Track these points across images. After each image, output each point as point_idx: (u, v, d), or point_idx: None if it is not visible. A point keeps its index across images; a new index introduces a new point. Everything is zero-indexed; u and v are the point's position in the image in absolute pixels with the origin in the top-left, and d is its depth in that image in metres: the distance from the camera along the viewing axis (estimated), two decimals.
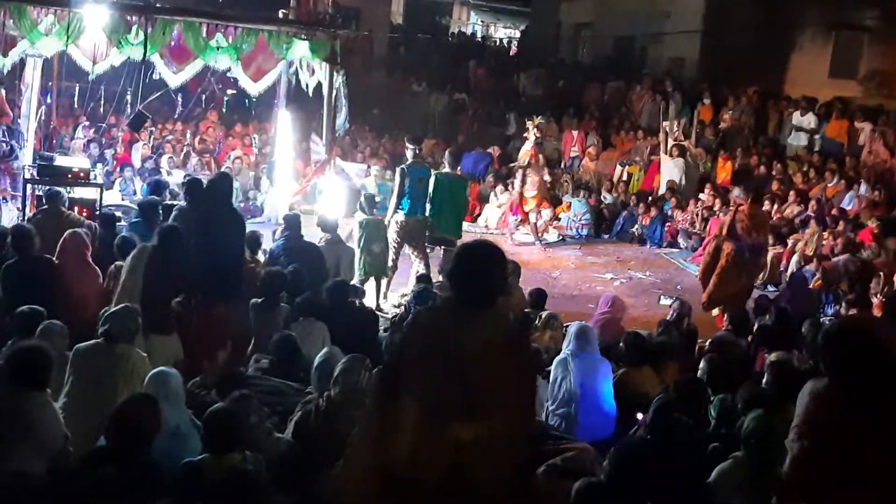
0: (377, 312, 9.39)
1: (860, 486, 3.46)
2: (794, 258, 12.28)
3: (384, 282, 10.61)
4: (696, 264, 13.55)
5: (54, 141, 14.59)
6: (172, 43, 11.18)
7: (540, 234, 14.67)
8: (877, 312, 9.46)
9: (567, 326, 7.39)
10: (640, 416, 6.05)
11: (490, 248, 3.67)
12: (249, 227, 10.60)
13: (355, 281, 9.93)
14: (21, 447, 4.65)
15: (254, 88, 12.20)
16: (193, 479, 4.52)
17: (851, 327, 3.82)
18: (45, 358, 4.97)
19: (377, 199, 11.57)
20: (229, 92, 17.59)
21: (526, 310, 8.53)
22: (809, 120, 17.14)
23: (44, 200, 9.52)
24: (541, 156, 14.60)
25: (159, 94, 12.43)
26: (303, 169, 14.68)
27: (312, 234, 10.19)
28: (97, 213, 10.11)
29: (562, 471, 4.97)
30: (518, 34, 35.94)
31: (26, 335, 5.99)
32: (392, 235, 10.62)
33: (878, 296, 10.19)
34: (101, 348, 5.71)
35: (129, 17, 10.82)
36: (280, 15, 12.14)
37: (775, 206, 14.13)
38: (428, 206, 10.73)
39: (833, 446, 3.50)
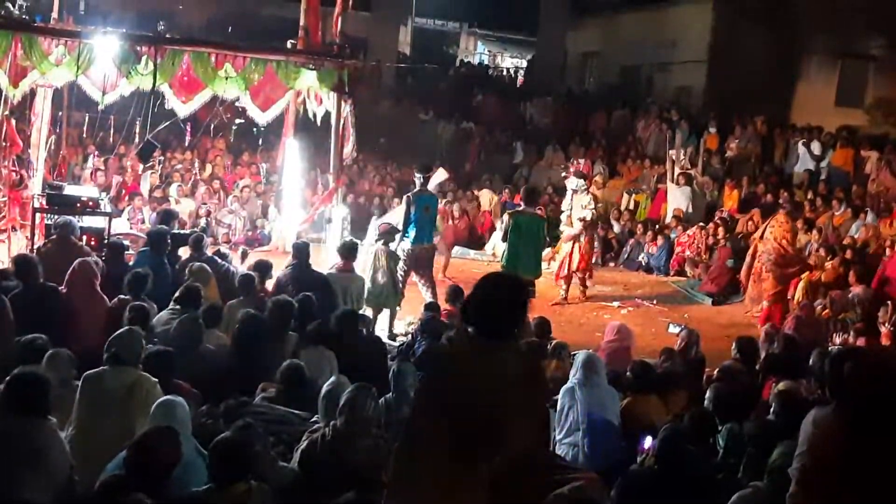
0: (385, 341, 9.40)
1: None
2: (801, 285, 12.24)
3: (390, 311, 10.62)
4: (704, 293, 13.57)
5: (64, 170, 14.67)
6: (181, 73, 11.26)
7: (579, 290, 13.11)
8: (885, 342, 9.42)
9: (574, 355, 7.37)
10: (647, 441, 6.00)
11: (513, 280, 3.67)
12: (257, 256, 10.69)
13: (369, 311, 9.98)
14: (27, 476, 4.65)
15: (262, 118, 12.26)
16: None
17: (858, 353, 3.83)
18: (40, 383, 4.97)
19: None
20: (237, 121, 17.71)
21: (533, 339, 8.50)
22: (815, 148, 17.16)
23: (52, 230, 9.57)
24: (580, 205, 12.91)
25: (168, 123, 12.50)
26: (310, 197, 14.75)
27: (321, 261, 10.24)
28: (105, 241, 10.16)
29: (569, 500, 4.94)
30: (525, 63, 36.16)
31: (31, 364, 6.03)
32: (399, 263, 10.64)
33: (887, 325, 10.14)
34: (110, 374, 5.71)
35: (138, 48, 10.91)
36: (288, 45, 12.23)
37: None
38: (504, 246, 10.61)
39: (838, 472, 3.48)
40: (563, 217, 13.19)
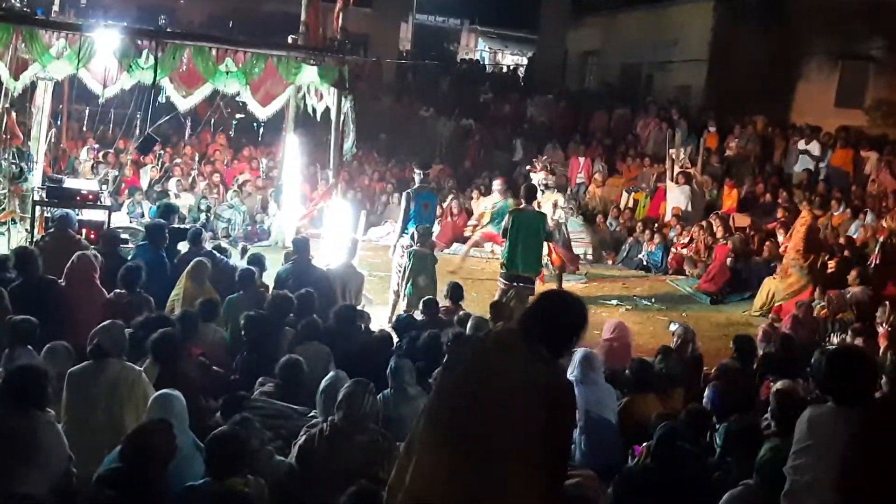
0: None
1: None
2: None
3: (389, 307, 10.62)
4: (702, 291, 13.59)
5: (63, 164, 14.67)
6: (182, 67, 11.26)
7: None
8: (882, 342, 9.44)
9: (573, 353, 7.36)
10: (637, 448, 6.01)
11: (581, 306, 3.67)
12: (256, 251, 10.69)
13: (401, 309, 9.98)
14: (25, 469, 4.65)
15: (262, 113, 12.26)
16: (195, 503, 4.52)
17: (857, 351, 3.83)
18: (39, 376, 4.98)
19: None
20: (238, 116, 17.70)
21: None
22: (815, 148, 17.17)
23: (48, 223, 9.55)
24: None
25: (168, 117, 12.50)
26: (309, 193, 14.76)
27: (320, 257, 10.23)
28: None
29: (566, 498, 4.96)
30: (525, 61, 36.15)
31: (19, 344, 6.06)
32: (397, 260, 10.64)
33: (884, 325, 10.15)
34: (94, 368, 5.72)
35: (139, 42, 10.91)
36: (289, 40, 12.23)
37: (781, 235, 14.12)
38: (505, 244, 10.60)
39: (838, 470, 3.49)
40: None
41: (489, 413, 3.35)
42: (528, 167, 14.22)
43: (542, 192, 12.77)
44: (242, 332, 7.39)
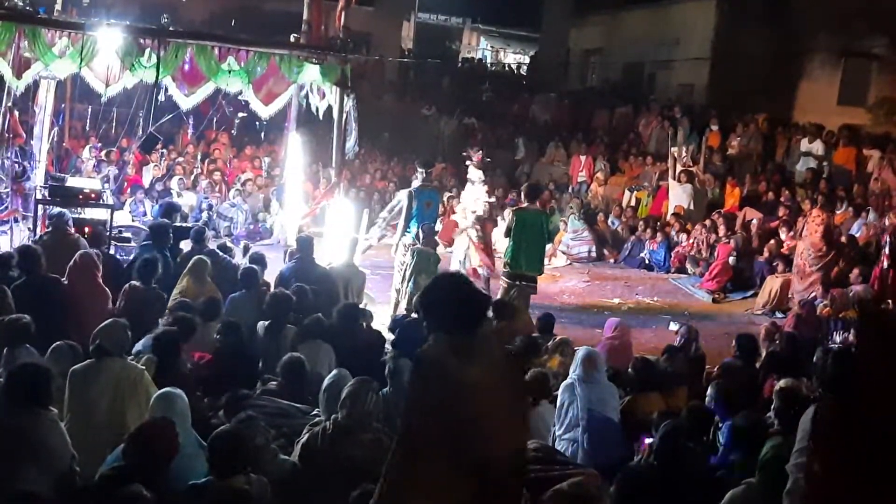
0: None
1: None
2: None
3: (391, 306, 10.62)
4: (704, 290, 13.58)
5: (66, 162, 14.67)
6: (185, 66, 11.25)
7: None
8: None
9: (576, 352, 7.37)
10: (646, 441, 6.01)
11: (454, 275, 3.89)
12: (258, 249, 10.70)
13: (402, 307, 9.96)
14: (28, 467, 4.66)
15: (264, 111, 12.25)
16: (198, 502, 4.52)
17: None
18: (43, 375, 4.99)
19: None
20: (240, 114, 17.68)
21: (534, 334, 8.51)
22: (817, 147, 17.15)
23: (46, 222, 9.57)
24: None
25: (171, 116, 12.50)
26: (312, 192, 14.76)
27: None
28: (109, 234, 10.18)
29: (568, 496, 4.96)
30: (527, 59, 36.16)
31: (17, 344, 6.08)
32: (399, 259, 10.63)
33: None
34: (96, 366, 5.73)
35: (142, 41, 10.90)
36: (291, 39, 12.22)
37: (784, 233, 14.10)
38: (508, 243, 10.55)
39: (842, 467, 3.49)
40: (458, 208, 12.79)
41: (493, 425, 3.39)
42: (465, 160, 13.75)
43: (472, 184, 12.50)
44: (217, 337, 7.23)
